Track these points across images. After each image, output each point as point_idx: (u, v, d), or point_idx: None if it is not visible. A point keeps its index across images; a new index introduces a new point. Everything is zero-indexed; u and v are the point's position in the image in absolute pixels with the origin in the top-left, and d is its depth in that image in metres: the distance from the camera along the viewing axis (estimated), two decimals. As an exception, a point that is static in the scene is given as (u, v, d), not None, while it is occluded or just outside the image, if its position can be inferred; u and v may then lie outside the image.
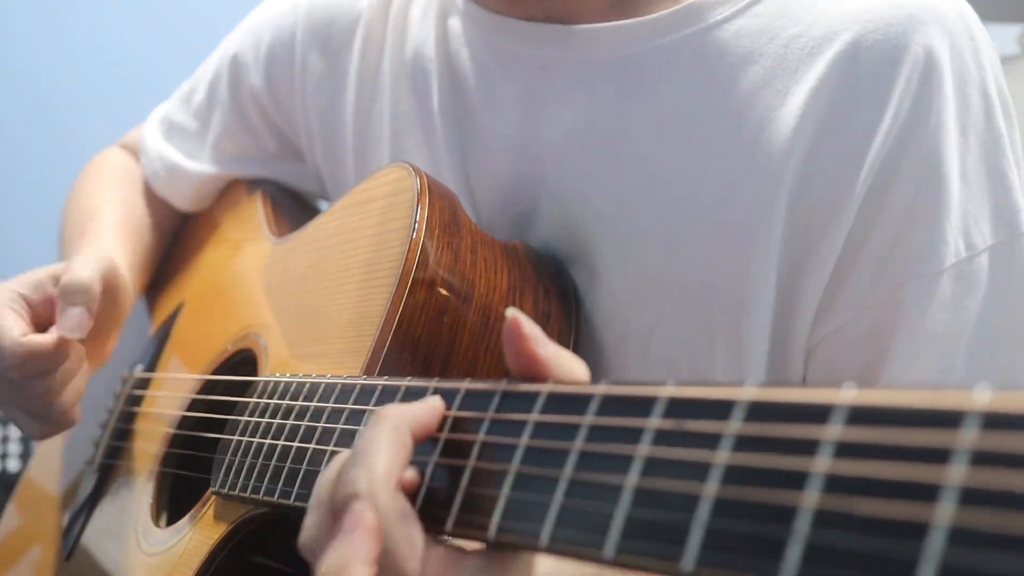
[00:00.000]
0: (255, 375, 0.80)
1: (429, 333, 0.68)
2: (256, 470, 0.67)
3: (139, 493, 0.87)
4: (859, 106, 0.68)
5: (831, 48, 0.69)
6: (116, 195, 1.06)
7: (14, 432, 2.01)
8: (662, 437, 0.40)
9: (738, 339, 0.71)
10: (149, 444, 0.90)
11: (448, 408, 0.52)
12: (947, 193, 0.68)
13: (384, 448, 0.48)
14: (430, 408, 0.51)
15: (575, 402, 0.45)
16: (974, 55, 0.70)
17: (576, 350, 0.73)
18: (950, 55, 0.68)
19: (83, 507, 0.93)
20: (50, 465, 1.07)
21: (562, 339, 0.73)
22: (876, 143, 0.67)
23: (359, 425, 0.58)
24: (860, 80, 0.68)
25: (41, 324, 0.82)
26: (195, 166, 1.04)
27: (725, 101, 0.71)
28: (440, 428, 0.51)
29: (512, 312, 0.49)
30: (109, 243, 0.96)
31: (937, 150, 0.68)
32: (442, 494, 0.49)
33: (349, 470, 0.48)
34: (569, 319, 0.74)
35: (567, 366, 0.49)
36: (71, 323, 0.79)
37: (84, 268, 0.82)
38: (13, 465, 2.00)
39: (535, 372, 0.49)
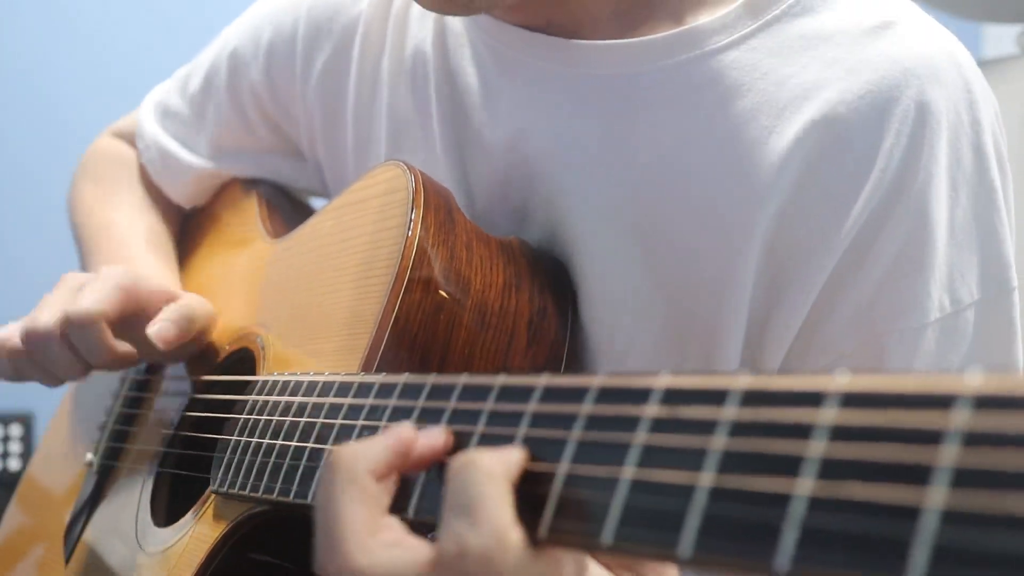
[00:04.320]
0: (253, 374, 0.80)
1: (425, 331, 0.68)
2: (255, 468, 0.67)
3: (139, 493, 0.87)
4: (847, 157, 0.68)
5: (821, 96, 0.68)
6: (133, 201, 1.06)
7: (14, 432, 2.02)
8: (658, 425, 0.41)
9: (709, 368, 0.71)
10: (148, 444, 0.91)
11: (447, 402, 0.52)
12: (933, 247, 0.68)
13: (347, 512, 0.47)
14: (395, 443, 0.49)
15: (572, 394, 0.46)
16: (969, 109, 0.69)
17: (570, 344, 0.73)
18: (943, 109, 0.68)
19: (83, 508, 0.93)
20: (51, 464, 1.07)
21: (558, 334, 0.73)
22: (864, 195, 0.67)
23: (356, 420, 0.59)
24: (850, 132, 0.68)
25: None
26: (192, 159, 1.03)
27: (711, 130, 0.71)
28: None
29: None
30: (150, 262, 0.99)
31: (925, 205, 0.68)
32: (438, 493, 0.49)
33: (466, 531, 0.44)
34: (565, 315, 0.74)
35: None
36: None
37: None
38: (14, 464, 2.01)
39: None
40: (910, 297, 0.68)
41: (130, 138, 1.11)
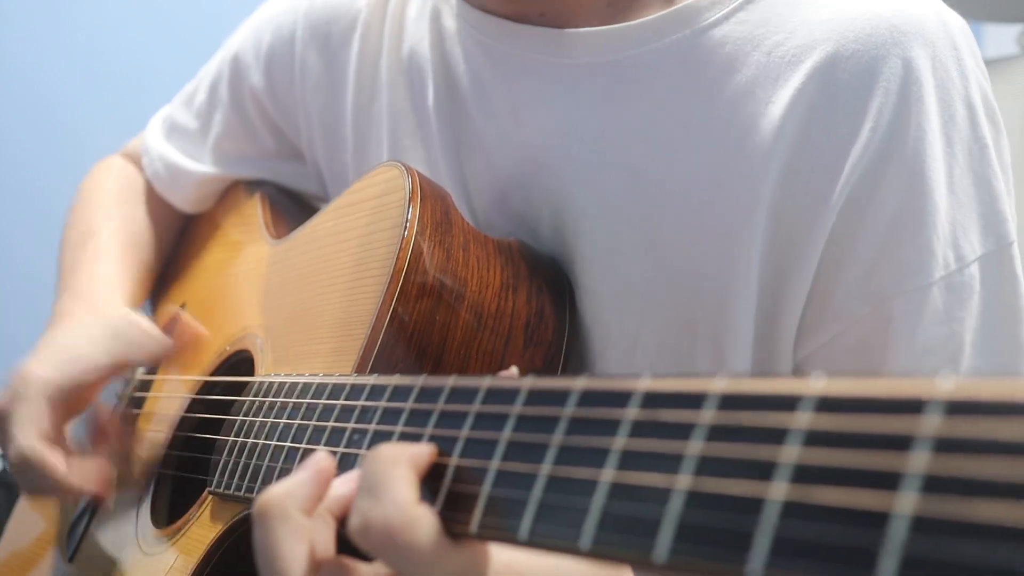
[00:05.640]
0: (252, 376, 0.80)
1: (421, 332, 0.68)
2: (250, 470, 0.68)
3: (140, 494, 0.88)
4: (837, 117, 0.67)
5: (811, 58, 0.68)
6: (115, 212, 1.06)
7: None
8: (638, 428, 0.40)
9: (720, 346, 0.71)
10: (150, 446, 0.91)
11: (435, 404, 0.52)
12: (932, 205, 0.67)
13: (287, 550, 0.50)
14: (314, 474, 0.53)
15: (555, 396, 0.45)
16: (957, 64, 0.69)
17: (568, 349, 0.73)
18: (932, 66, 0.68)
19: (86, 509, 0.94)
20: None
21: (556, 336, 0.73)
22: (854, 154, 0.67)
23: (348, 423, 0.59)
24: (839, 91, 0.67)
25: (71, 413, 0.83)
26: (195, 166, 1.05)
27: (710, 107, 0.70)
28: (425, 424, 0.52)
29: None
30: (107, 270, 0.98)
31: (920, 162, 0.67)
32: (426, 491, 0.49)
33: (370, 506, 0.48)
34: (563, 316, 0.74)
35: None
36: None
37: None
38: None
39: None
40: (914, 256, 0.68)
41: (136, 158, 1.12)
